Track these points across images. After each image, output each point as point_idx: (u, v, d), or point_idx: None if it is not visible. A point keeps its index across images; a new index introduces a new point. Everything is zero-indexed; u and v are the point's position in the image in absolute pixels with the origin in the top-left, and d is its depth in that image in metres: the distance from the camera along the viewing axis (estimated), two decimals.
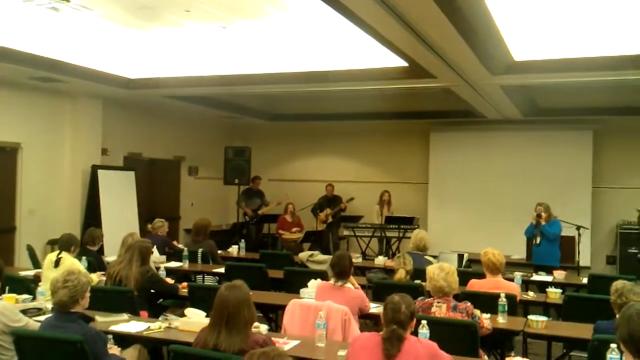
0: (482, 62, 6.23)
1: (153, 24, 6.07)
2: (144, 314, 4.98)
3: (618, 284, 4.04)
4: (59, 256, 5.67)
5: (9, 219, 8.46)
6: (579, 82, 7.37)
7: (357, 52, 6.72)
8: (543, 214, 7.60)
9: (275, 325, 5.70)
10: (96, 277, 5.79)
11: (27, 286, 5.41)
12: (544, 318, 4.56)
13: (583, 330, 4.30)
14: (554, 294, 5.69)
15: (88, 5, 5.42)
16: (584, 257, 9.39)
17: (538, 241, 7.66)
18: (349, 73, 7.44)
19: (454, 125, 11.23)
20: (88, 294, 3.76)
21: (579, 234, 8.55)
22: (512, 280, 5.76)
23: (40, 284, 5.39)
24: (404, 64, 6.70)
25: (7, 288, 4.84)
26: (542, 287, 6.52)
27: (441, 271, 4.26)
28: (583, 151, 10.38)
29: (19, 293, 4.99)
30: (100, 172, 9.18)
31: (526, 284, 6.61)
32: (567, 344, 4.77)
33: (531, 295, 5.86)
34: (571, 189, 10.30)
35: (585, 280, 6.70)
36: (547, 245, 7.59)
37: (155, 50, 7.07)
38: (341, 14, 4.84)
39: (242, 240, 8.97)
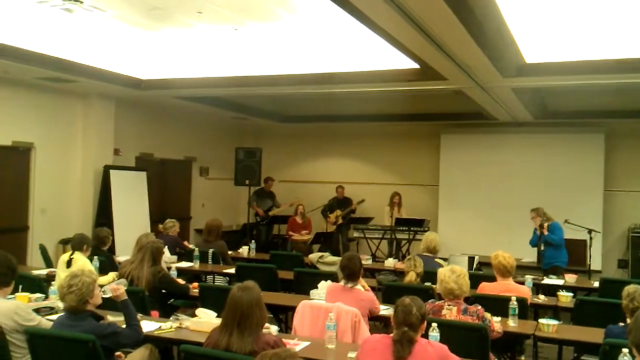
0: (493, 64, 6.21)
1: (165, 25, 6.11)
2: (155, 313, 5.01)
3: (630, 288, 4.02)
4: (72, 256, 5.72)
5: (22, 218, 8.52)
6: (590, 85, 7.34)
7: (368, 54, 6.72)
8: (545, 224, 7.58)
9: (285, 327, 5.72)
10: (112, 276, 5.82)
11: (40, 285, 5.46)
12: (555, 322, 4.54)
13: (594, 335, 4.29)
14: (565, 298, 5.66)
15: (101, 6, 5.46)
16: (595, 260, 9.32)
17: (542, 247, 7.62)
18: (360, 75, 7.44)
19: (464, 128, 11.21)
20: (97, 291, 3.79)
21: (591, 238, 8.49)
22: (522, 283, 5.74)
23: (52, 283, 5.43)
24: (415, 66, 6.70)
25: (20, 287, 4.88)
26: (550, 290, 6.48)
27: (452, 273, 4.25)
28: (594, 154, 10.32)
29: (32, 292, 5.04)
30: (112, 172, 9.23)
31: (537, 287, 6.58)
32: (577, 348, 4.75)
33: (542, 298, 5.83)
34: (582, 192, 10.25)
35: (596, 284, 6.65)
36: (553, 250, 7.57)
37: (167, 51, 7.11)
38: (352, 16, 4.84)
39: (253, 241, 8.99)
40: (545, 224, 7.57)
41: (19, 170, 8.49)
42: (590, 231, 8.44)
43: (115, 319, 4.35)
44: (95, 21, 5.90)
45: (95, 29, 6.21)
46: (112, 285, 4.07)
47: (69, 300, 3.64)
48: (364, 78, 7.50)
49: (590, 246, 8.59)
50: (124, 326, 3.94)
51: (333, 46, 6.58)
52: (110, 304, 4.23)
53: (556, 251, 7.56)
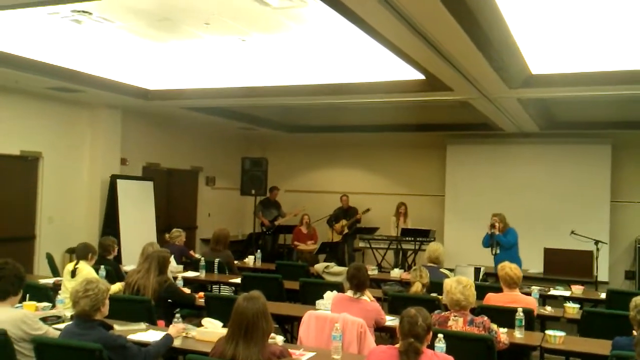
0: (499, 75, 6.23)
1: (172, 36, 6.15)
2: (161, 323, 5.01)
3: (638, 300, 3.99)
4: (76, 266, 5.74)
5: (29, 227, 8.57)
6: (597, 96, 7.33)
7: (374, 64, 6.75)
8: (496, 225, 7.75)
9: (291, 337, 5.71)
10: (120, 286, 5.84)
11: (47, 294, 5.48)
12: (562, 333, 4.53)
13: (601, 346, 4.26)
14: (572, 309, 5.64)
15: (109, 17, 5.51)
16: (602, 272, 9.29)
17: (497, 251, 7.78)
18: (367, 86, 7.47)
19: (470, 138, 11.22)
20: (107, 301, 3.83)
21: (597, 249, 8.46)
22: (529, 294, 5.72)
23: (59, 292, 5.46)
24: (422, 76, 6.72)
25: (27, 296, 4.91)
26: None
27: (459, 284, 4.25)
28: (601, 165, 10.31)
29: (39, 301, 5.05)
30: (119, 181, 9.28)
31: (543, 299, 6.56)
32: None
33: (549, 309, 5.81)
34: (589, 204, 10.23)
35: (603, 296, 6.63)
36: (505, 254, 7.62)
37: (174, 61, 7.16)
38: (359, 27, 4.87)
39: (258, 250, 8.99)
40: (497, 224, 7.78)
41: (26, 180, 8.54)
42: (597, 242, 8.40)
43: (121, 328, 4.37)
44: (104, 32, 5.95)
45: (104, 39, 6.27)
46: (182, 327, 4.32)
47: (83, 304, 3.68)
48: (370, 89, 7.52)
49: (597, 257, 8.54)
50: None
51: (340, 57, 6.61)
52: (116, 313, 4.25)
53: (507, 254, 7.55)
